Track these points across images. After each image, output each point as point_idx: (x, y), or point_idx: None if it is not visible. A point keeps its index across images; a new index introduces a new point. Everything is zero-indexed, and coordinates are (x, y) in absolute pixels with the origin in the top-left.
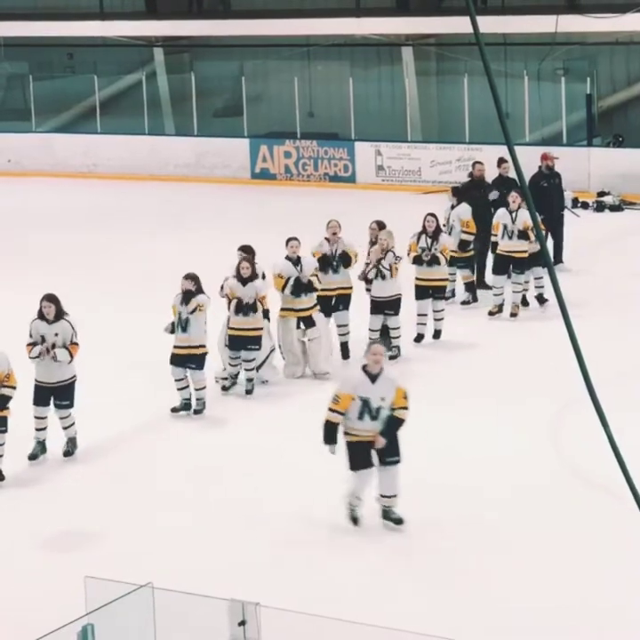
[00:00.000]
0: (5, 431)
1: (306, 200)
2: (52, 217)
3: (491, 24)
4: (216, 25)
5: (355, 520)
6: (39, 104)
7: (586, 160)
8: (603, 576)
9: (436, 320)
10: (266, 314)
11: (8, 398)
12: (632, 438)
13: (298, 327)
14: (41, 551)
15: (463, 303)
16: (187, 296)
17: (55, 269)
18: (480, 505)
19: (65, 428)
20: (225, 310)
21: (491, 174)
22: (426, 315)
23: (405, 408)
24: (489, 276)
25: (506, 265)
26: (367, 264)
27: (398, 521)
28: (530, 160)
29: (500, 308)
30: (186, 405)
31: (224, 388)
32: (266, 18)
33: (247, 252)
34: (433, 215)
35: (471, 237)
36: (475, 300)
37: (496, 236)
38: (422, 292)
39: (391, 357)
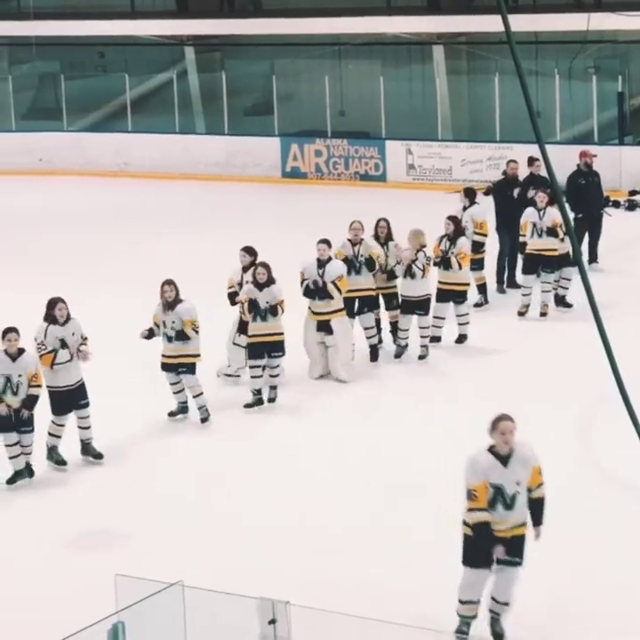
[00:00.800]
0: (32, 431)
1: (336, 199)
2: (81, 216)
3: (522, 22)
4: (247, 24)
5: (463, 634)
6: (70, 103)
7: (617, 159)
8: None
9: (460, 325)
10: None
11: (37, 397)
12: None
13: (318, 330)
14: (70, 550)
15: (476, 305)
16: (170, 306)
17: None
18: None
19: (85, 429)
20: (230, 309)
21: (523, 173)
22: (443, 318)
23: (542, 483)
24: (520, 276)
25: (536, 264)
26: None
27: (499, 636)
28: (561, 158)
29: (528, 308)
30: (183, 409)
31: (248, 406)
32: (296, 17)
33: (250, 253)
34: (451, 218)
35: (484, 239)
36: (486, 301)
37: (524, 236)
38: (442, 296)
39: (420, 357)
